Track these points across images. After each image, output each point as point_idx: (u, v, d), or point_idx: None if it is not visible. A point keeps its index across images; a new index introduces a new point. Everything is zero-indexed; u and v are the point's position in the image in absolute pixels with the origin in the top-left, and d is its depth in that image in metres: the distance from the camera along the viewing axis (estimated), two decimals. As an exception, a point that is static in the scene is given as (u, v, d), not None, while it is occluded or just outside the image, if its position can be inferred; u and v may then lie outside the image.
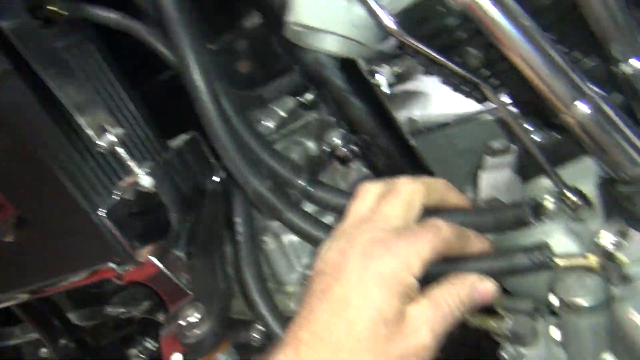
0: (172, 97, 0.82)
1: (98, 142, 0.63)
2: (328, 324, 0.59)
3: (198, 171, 0.80)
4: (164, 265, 0.86)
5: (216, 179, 0.88)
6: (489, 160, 0.93)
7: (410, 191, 0.67)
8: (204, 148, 0.88)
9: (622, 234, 0.56)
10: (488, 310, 0.76)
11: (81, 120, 0.62)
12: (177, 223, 0.72)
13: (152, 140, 0.71)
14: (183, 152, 0.77)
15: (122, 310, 1.08)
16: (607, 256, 0.58)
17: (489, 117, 1.06)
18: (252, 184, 0.72)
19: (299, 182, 0.80)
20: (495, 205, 0.76)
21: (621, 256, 0.56)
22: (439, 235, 0.63)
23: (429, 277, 0.62)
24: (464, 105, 1.08)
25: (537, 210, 0.67)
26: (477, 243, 0.68)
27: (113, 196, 0.66)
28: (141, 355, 1.01)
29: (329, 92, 0.83)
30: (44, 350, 1.11)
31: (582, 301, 0.59)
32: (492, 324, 0.75)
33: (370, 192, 0.70)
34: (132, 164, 0.65)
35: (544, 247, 0.64)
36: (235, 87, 0.81)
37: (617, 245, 0.55)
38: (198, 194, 0.80)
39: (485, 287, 0.64)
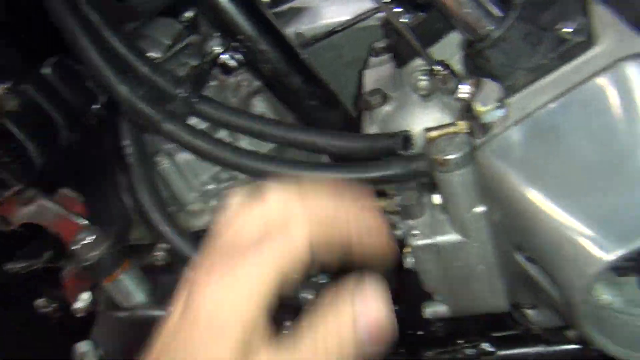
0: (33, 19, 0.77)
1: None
2: None
3: (72, 96, 0.76)
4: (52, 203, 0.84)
5: (97, 105, 0.84)
6: (372, 59, 0.96)
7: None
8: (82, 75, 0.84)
9: (476, 85, 0.59)
10: (379, 193, 0.80)
11: None
12: (65, 139, 0.69)
13: (10, 62, 0.66)
14: (50, 76, 0.72)
15: (22, 265, 1.04)
16: (467, 109, 0.62)
17: (372, 23, 1.10)
18: (122, 92, 0.70)
19: (181, 93, 0.78)
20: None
21: (478, 106, 0.60)
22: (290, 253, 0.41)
23: None
24: (347, 14, 1.11)
25: (408, 142, 0.71)
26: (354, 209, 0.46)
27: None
28: (50, 304, 0.98)
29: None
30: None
31: (451, 156, 0.63)
32: (383, 203, 0.79)
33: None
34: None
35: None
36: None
37: (472, 94, 0.59)
38: (75, 119, 0.76)
39: (373, 313, 0.40)
